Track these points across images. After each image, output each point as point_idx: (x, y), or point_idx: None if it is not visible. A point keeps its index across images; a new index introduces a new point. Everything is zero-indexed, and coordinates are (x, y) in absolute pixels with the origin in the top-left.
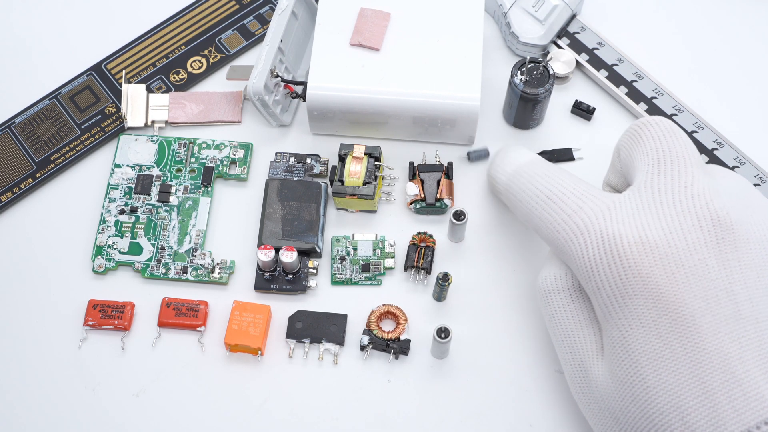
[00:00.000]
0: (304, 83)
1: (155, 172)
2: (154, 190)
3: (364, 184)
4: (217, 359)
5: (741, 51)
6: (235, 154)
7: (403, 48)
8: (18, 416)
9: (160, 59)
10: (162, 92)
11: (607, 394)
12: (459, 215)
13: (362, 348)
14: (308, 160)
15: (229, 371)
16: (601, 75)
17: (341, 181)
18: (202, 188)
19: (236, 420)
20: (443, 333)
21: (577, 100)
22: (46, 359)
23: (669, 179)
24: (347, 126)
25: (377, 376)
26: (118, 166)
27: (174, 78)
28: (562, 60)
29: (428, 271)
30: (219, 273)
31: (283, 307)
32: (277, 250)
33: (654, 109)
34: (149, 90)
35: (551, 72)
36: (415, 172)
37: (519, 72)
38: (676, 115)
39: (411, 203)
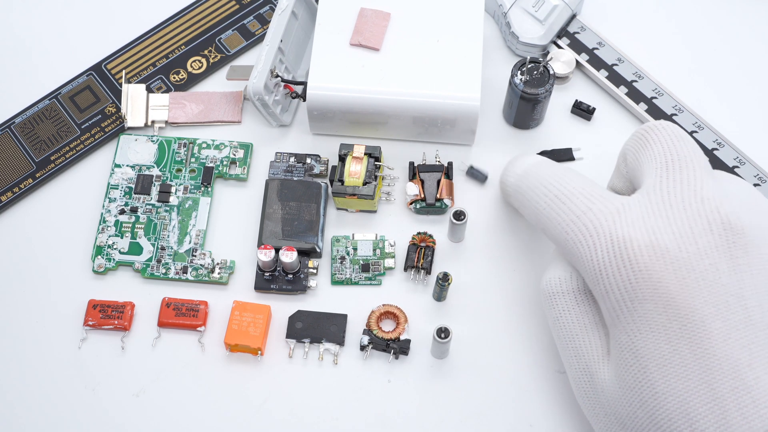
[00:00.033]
0: (304, 83)
1: (155, 172)
2: (154, 190)
3: (364, 184)
4: (217, 359)
5: (741, 51)
6: (235, 154)
7: (403, 48)
8: (18, 416)
9: (160, 59)
10: (162, 92)
11: (613, 399)
12: (459, 215)
13: (362, 348)
14: (308, 160)
15: (229, 371)
16: (601, 75)
17: (341, 181)
18: (202, 188)
19: (236, 420)
20: (443, 333)
21: (577, 100)
22: (46, 359)
23: (678, 183)
24: (347, 126)
25: (377, 376)
26: (118, 166)
27: (174, 78)
28: (562, 60)
29: (428, 271)
30: (219, 273)
31: (283, 307)
32: (277, 250)
33: (654, 109)
34: (149, 90)
35: (551, 72)
36: (415, 172)
37: (519, 72)
38: (676, 115)
39: (411, 203)
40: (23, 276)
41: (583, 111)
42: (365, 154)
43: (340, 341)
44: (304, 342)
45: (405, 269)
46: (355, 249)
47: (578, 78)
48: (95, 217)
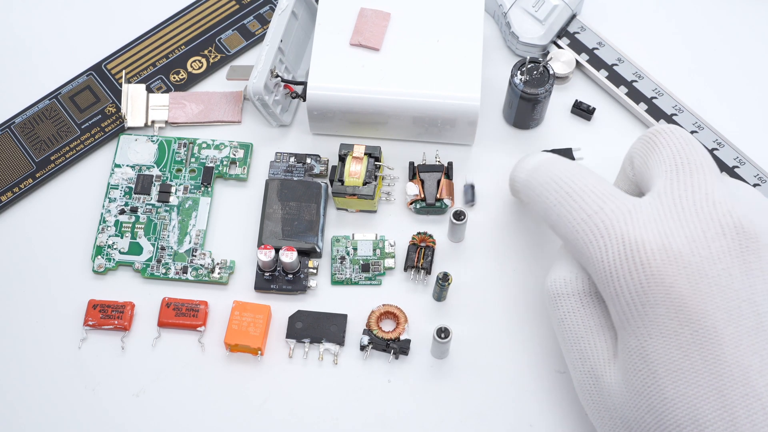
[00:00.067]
0: (304, 83)
1: (155, 172)
2: (154, 190)
3: (364, 184)
4: (217, 359)
5: (741, 51)
6: (235, 154)
7: (403, 48)
8: (18, 416)
9: (160, 59)
10: (162, 92)
11: (620, 403)
12: (459, 215)
13: (362, 348)
14: (308, 160)
15: (229, 371)
16: (601, 75)
17: (341, 181)
18: (202, 188)
19: (236, 420)
20: (443, 333)
21: (577, 100)
22: (46, 359)
23: (689, 186)
24: (347, 126)
25: (377, 376)
26: (118, 166)
27: (174, 78)
28: (562, 60)
29: (428, 271)
30: (219, 273)
31: (283, 307)
32: (277, 250)
33: (654, 109)
34: (149, 90)
35: (551, 72)
36: (415, 172)
37: (519, 72)
38: (676, 115)
39: (411, 203)
40: (23, 276)
41: (583, 111)
42: (365, 154)
43: (340, 341)
44: (304, 342)
45: (405, 269)
46: (355, 249)
47: (578, 78)
48: (95, 217)
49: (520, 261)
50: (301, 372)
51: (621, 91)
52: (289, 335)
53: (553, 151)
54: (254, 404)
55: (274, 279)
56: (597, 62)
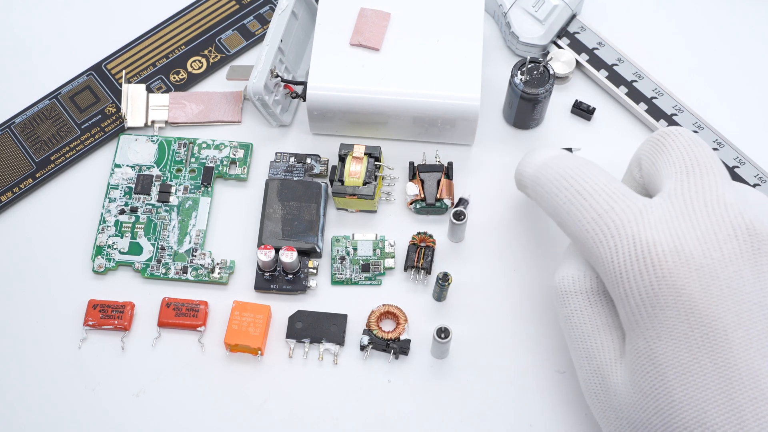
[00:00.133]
0: (304, 83)
1: (155, 172)
2: (154, 190)
3: (364, 184)
4: (217, 359)
5: (741, 51)
6: (235, 154)
7: (403, 48)
8: (18, 416)
9: (160, 59)
10: (162, 92)
11: (626, 404)
12: (459, 215)
13: (362, 348)
14: (308, 160)
15: (229, 371)
16: (601, 75)
17: (341, 181)
18: (202, 188)
19: (236, 420)
20: (443, 333)
21: (577, 100)
22: (46, 359)
23: (700, 188)
24: (347, 126)
25: (377, 376)
26: (118, 166)
27: (174, 78)
28: (562, 60)
29: (428, 271)
30: (219, 273)
31: (283, 307)
32: (277, 250)
33: (654, 109)
34: (149, 90)
35: (551, 72)
36: (415, 172)
37: (519, 72)
38: (676, 115)
39: (411, 203)
40: (23, 276)
41: (583, 111)
42: (365, 154)
43: (340, 341)
44: (304, 342)
45: (405, 269)
46: (355, 249)
47: (578, 78)
48: (95, 217)
49: (520, 261)
50: (301, 372)
51: (621, 91)
52: (289, 335)
53: None
54: (254, 404)
55: (274, 279)
56: (597, 62)
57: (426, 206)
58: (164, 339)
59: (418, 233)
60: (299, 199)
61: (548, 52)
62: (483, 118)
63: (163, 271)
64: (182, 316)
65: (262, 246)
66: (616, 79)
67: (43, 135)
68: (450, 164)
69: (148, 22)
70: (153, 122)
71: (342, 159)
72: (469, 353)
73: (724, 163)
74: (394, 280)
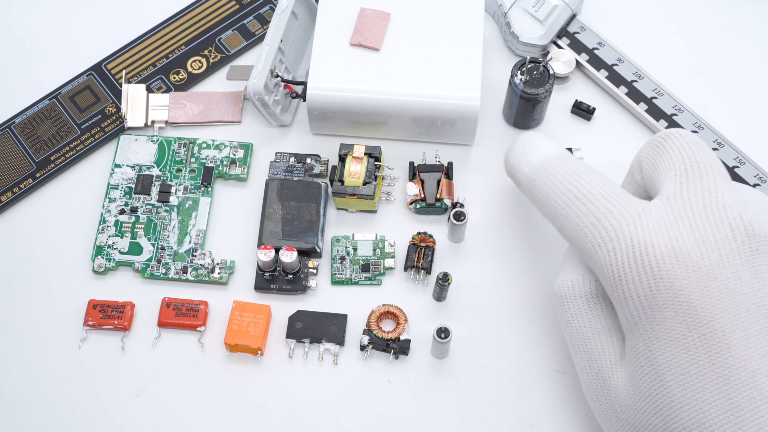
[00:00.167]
0: (304, 83)
1: (155, 172)
2: (154, 190)
3: (364, 184)
4: (217, 359)
5: (741, 51)
6: (235, 154)
7: (403, 48)
8: (18, 416)
9: (160, 59)
10: (162, 92)
11: (627, 405)
12: (459, 216)
13: (362, 348)
14: (308, 160)
15: (229, 371)
16: (601, 75)
17: (341, 181)
18: (202, 188)
19: (236, 420)
20: (443, 333)
21: (577, 100)
22: (46, 359)
23: (699, 190)
24: (347, 126)
25: (377, 376)
26: (118, 166)
27: (174, 78)
28: (562, 60)
29: (428, 271)
30: (219, 273)
31: (283, 307)
32: (277, 250)
33: (654, 109)
34: (149, 90)
35: (551, 72)
36: (415, 172)
37: (519, 72)
38: (676, 115)
39: (411, 203)
40: (23, 276)
41: (583, 111)
42: (365, 154)
43: (340, 341)
44: (304, 342)
45: (405, 269)
46: (355, 249)
47: (578, 78)
48: (95, 217)
49: (520, 261)
50: (301, 372)
51: (621, 91)
52: (289, 335)
53: None
54: (254, 404)
55: (274, 279)
56: (597, 62)
57: (426, 206)
58: (164, 339)
59: (418, 233)
60: (299, 199)
61: (548, 52)
62: (483, 118)
63: (163, 271)
64: (182, 316)
65: (262, 246)
66: (616, 79)
67: (43, 135)
68: (450, 164)
69: (148, 22)
70: (153, 122)
71: (342, 159)
72: (469, 353)
73: (724, 163)
74: (394, 280)
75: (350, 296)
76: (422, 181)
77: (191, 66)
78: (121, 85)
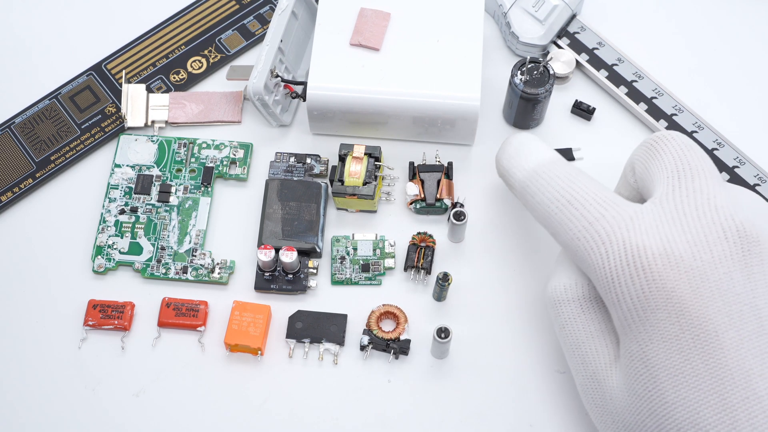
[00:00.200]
0: (304, 83)
1: (155, 172)
2: (154, 190)
3: (364, 184)
4: (217, 359)
5: (741, 51)
6: (235, 154)
7: (403, 48)
8: (18, 416)
9: (160, 59)
10: (162, 92)
11: (622, 407)
12: (459, 216)
13: (362, 348)
14: (308, 160)
15: (229, 371)
16: (601, 75)
17: (341, 181)
18: (202, 188)
19: (236, 420)
20: (443, 333)
21: (577, 100)
22: (46, 359)
23: (691, 191)
24: (347, 126)
25: (377, 376)
26: (118, 166)
27: (174, 78)
28: (562, 60)
29: (428, 271)
30: (219, 273)
31: (283, 307)
32: (277, 250)
33: (654, 109)
34: (149, 90)
35: (551, 72)
36: (415, 172)
37: (519, 72)
38: (676, 115)
39: (411, 203)
40: (23, 276)
41: (583, 111)
42: (365, 154)
43: (340, 341)
44: (304, 342)
45: (405, 269)
46: (355, 249)
47: (578, 78)
48: (95, 217)
49: (520, 261)
50: (301, 372)
51: (621, 91)
52: (289, 335)
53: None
54: (254, 404)
55: (274, 279)
56: (597, 62)
57: (426, 206)
58: (164, 339)
59: (418, 233)
60: (299, 199)
61: (548, 52)
62: (483, 118)
63: (163, 271)
64: (182, 316)
65: (262, 246)
66: (616, 79)
67: (43, 135)
68: (450, 164)
69: (148, 22)
70: (153, 122)
71: (342, 159)
72: (469, 353)
73: (724, 163)
74: (394, 280)
75: (350, 296)
76: (422, 181)
77: (191, 66)
78: (121, 85)
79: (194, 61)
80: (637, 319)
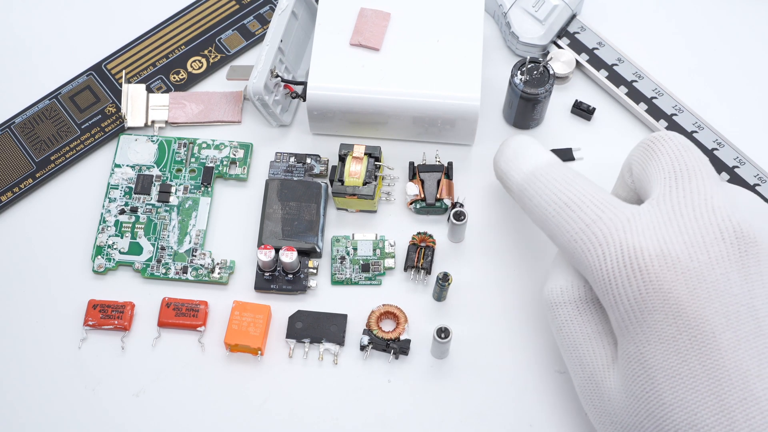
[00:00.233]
0: (304, 83)
1: (155, 172)
2: (154, 190)
3: (364, 184)
4: (217, 359)
5: (741, 51)
6: (235, 154)
7: (403, 48)
8: (18, 416)
9: (160, 59)
10: (162, 92)
11: (619, 408)
12: (459, 216)
13: (362, 348)
14: (308, 160)
15: (229, 371)
16: (601, 75)
17: (341, 181)
18: (202, 188)
19: (236, 420)
20: (443, 333)
21: (577, 100)
22: (46, 359)
23: (688, 192)
24: (347, 126)
25: (377, 376)
26: (118, 166)
27: (174, 78)
28: (562, 60)
29: (428, 271)
30: (219, 273)
31: (283, 307)
32: (277, 250)
33: (654, 109)
34: (149, 90)
35: (551, 72)
36: (415, 172)
37: (519, 72)
38: (676, 115)
39: (411, 203)
40: (23, 276)
41: (583, 111)
42: (365, 154)
43: (340, 341)
44: (304, 342)
45: (405, 269)
46: (355, 249)
47: (578, 78)
48: (95, 217)
49: (520, 261)
50: (301, 372)
51: (621, 91)
52: (289, 335)
53: (553, 151)
54: (254, 404)
55: (274, 279)
56: (597, 62)
57: (426, 206)
58: (164, 339)
59: (418, 233)
60: (299, 199)
61: (548, 52)
62: (483, 118)
63: (163, 271)
64: (182, 316)
65: (262, 246)
66: (616, 79)
67: (43, 135)
68: (450, 164)
69: (148, 22)
70: (153, 122)
71: (342, 159)
72: (469, 353)
73: (724, 163)
74: (394, 280)
75: (350, 296)
76: (422, 181)
77: (191, 66)
78: (121, 85)
79: (194, 61)
80: (634, 320)
